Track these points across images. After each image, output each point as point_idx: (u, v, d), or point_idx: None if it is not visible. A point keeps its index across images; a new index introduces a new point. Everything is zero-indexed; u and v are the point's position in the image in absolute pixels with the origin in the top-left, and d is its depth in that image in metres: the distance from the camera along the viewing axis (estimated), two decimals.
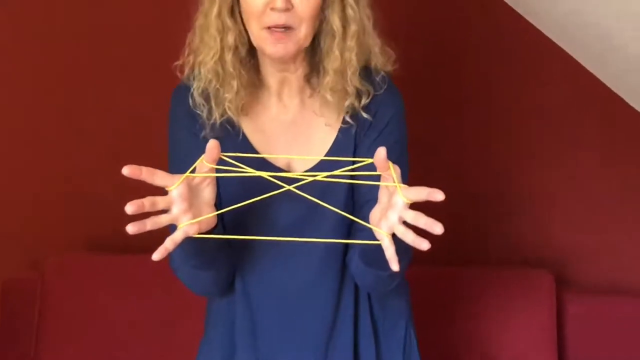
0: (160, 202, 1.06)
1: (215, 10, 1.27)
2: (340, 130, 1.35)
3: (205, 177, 1.12)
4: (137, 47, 2.38)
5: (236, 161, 1.11)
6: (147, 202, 1.04)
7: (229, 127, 1.32)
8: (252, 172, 1.10)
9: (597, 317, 2.18)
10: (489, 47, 2.36)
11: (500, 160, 2.37)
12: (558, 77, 2.32)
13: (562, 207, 2.35)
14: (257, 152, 1.34)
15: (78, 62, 2.40)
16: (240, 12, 1.28)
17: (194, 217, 1.09)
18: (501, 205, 2.36)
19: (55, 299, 2.16)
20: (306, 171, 1.31)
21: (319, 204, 1.19)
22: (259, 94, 1.36)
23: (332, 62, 1.30)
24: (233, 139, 1.32)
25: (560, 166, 2.33)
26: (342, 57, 1.29)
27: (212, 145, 1.08)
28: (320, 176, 1.15)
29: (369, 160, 1.08)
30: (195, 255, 1.25)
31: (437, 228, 1.00)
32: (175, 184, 1.06)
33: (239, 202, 1.17)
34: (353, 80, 1.30)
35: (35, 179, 2.40)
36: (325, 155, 1.34)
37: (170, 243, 1.06)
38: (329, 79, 1.30)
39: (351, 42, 1.29)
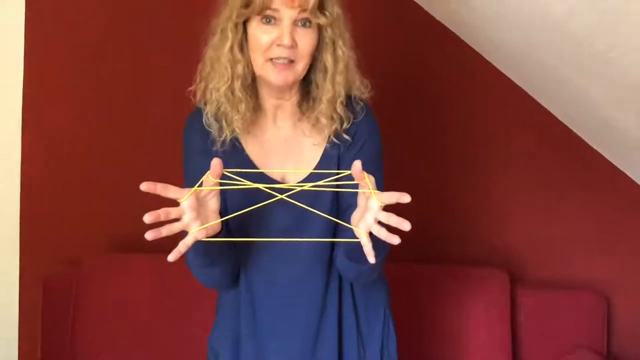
0: (173, 212, 1.13)
1: (227, 45, 1.33)
2: (326, 149, 1.42)
3: (211, 190, 1.17)
4: (164, 70, 2.40)
5: (237, 175, 1.17)
6: (162, 213, 1.11)
7: (235, 144, 1.39)
8: (250, 184, 1.18)
9: (545, 308, 2.25)
10: (454, 84, 2.42)
11: (461, 172, 2.42)
12: (501, 101, 2.39)
13: (515, 215, 2.40)
14: (256, 166, 1.39)
15: (116, 81, 2.43)
16: (247, 46, 1.34)
17: (202, 224, 1.15)
18: (463, 212, 2.41)
19: (88, 293, 2.17)
20: (298, 182, 1.38)
21: (308, 210, 1.25)
22: (258, 116, 1.42)
23: (325, 94, 1.36)
24: (238, 153, 1.39)
25: (513, 182, 2.39)
26: (333, 90, 1.36)
27: (216, 162, 1.15)
28: (307, 186, 1.23)
29: (349, 172, 1.15)
30: (204, 255, 1.31)
31: (405, 225, 1.08)
32: (185, 197, 1.13)
33: (241, 210, 1.24)
34: (339, 109, 1.37)
35: (75, 190, 2.39)
36: (314, 169, 1.40)
37: (182, 246, 1.14)
38: (322, 107, 1.37)
39: (340, 78, 1.37)
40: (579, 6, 1.48)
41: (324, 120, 1.38)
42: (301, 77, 1.36)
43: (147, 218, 1.09)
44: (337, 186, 1.33)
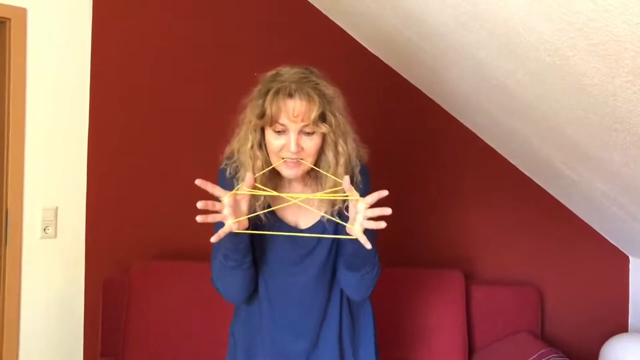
0: (217, 205, 1.17)
1: (248, 144, 1.29)
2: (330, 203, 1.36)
3: (244, 195, 1.21)
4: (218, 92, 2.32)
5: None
6: (209, 203, 1.15)
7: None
8: (274, 193, 1.24)
9: (492, 300, 2.26)
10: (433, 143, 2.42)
11: (427, 198, 2.41)
12: (457, 142, 2.40)
13: (468, 229, 2.41)
14: (278, 217, 1.36)
15: (171, 101, 2.34)
16: (265, 144, 1.29)
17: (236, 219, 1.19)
18: (428, 227, 2.40)
19: (138, 293, 2.11)
20: (308, 228, 1.36)
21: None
22: (278, 181, 1.36)
23: (328, 184, 1.31)
24: (265, 207, 1.33)
25: (466, 204, 2.40)
26: (335, 182, 1.29)
27: (249, 176, 1.19)
28: (299, 198, 1.27)
29: (342, 187, 1.17)
30: (233, 251, 1.28)
31: (387, 210, 1.12)
32: (227, 196, 1.17)
33: (261, 231, 1.27)
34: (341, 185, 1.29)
35: (129, 206, 2.32)
36: (318, 222, 1.36)
37: (222, 232, 1.17)
38: (327, 190, 1.31)
39: (341, 169, 1.31)
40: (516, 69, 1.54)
41: (335, 196, 1.31)
42: (307, 169, 1.31)
43: (200, 204, 1.14)
44: (338, 231, 1.34)
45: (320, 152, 1.31)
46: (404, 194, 2.40)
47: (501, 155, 2.40)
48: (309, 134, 1.26)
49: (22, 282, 2.18)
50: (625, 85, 1.19)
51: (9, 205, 2.15)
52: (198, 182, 1.15)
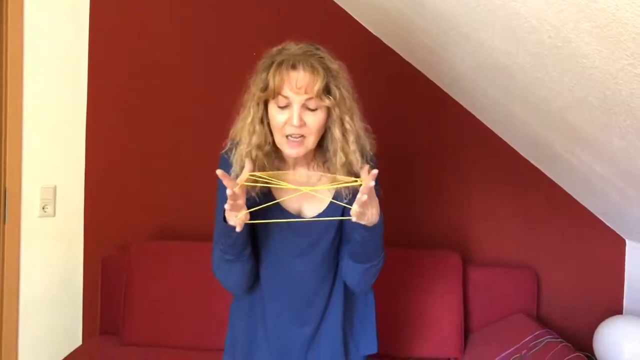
0: (236, 192, 1.16)
1: (249, 119, 1.27)
2: (336, 192, 1.34)
3: (244, 190, 1.20)
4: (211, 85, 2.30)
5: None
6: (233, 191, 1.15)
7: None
8: (282, 184, 1.22)
9: (489, 282, 2.25)
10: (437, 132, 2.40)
11: (430, 185, 2.40)
12: (460, 130, 2.38)
13: (466, 213, 2.40)
14: (280, 204, 1.32)
15: (166, 96, 2.32)
16: (267, 121, 1.27)
17: (238, 213, 1.18)
18: (429, 211, 2.40)
19: (137, 272, 2.12)
20: (313, 217, 1.34)
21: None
22: (282, 165, 1.35)
23: (339, 160, 1.28)
24: (266, 194, 1.32)
25: (466, 189, 2.39)
26: (346, 158, 1.27)
27: (248, 166, 1.20)
28: (303, 190, 1.23)
29: (359, 182, 1.18)
30: (231, 246, 1.27)
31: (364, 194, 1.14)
32: (237, 187, 1.16)
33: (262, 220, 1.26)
34: (356, 168, 1.28)
35: (127, 189, 2.32)
36: (325, 209, 1.35)
37: (239, 224, 1.17)
38: (338, 169, 1.28)
39: (353, 146, 1.28)
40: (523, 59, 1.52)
41: (340, 178, 1.28)
42: (311, 149, 1.29)
43: (229, 191, 1.15)
44: (341, 222, 1.34)
45: (326, 130, 1.29)
46: (403, 177, 2.39)
47: (500, 138, 2.39)
48: (312, 110, 1.24)
49: (21, 261, 2.19)
50: (627, 68, 1.19)
51: (7, 184, 2.15)
52: (219, 172, 1.16)
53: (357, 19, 2.38)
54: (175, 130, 2.35)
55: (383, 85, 2.37)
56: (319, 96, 1.22)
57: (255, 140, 1.27)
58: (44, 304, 2.24)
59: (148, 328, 2.10)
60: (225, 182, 1.15)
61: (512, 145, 2.39)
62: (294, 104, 1.22)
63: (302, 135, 1.25)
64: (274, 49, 1.28)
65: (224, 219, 1.23)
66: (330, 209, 1.35)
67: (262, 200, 1.28)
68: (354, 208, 1.17)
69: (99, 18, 2.30)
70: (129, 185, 2.35)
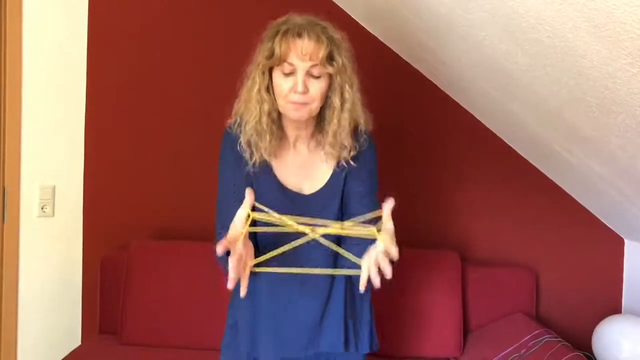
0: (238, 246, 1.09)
1: (256, 88, 1.31)
2: (335, 170, 1.39)
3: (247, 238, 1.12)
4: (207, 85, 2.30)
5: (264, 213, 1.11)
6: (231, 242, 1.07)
7: (264, 165, 1.37)
8: (287, 221, 1.11)
9: (488, 281, 2.25)
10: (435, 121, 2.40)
11: (429, 185, 2.40)
12: (459, 129, 2.38)
13: (465, 213, 2.40)
14: (280, 182, 1.36)
15: (164, 98, 2.31)
16: (272, 89, 1.32)
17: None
18: (428, 211, 2.40)
19: (136, 271, 2.11)
20: (312, 193, 1.37)
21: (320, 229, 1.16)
22: (282, 143, 1.39)
23: (332, 127, 1.33)
24: (266, 172, 1.37)
25: (465, 189, 2.39)
26: (339, 124, 1.33)
27: (249, 196, 1.11)
28: (314, 233, 1.13)
29: (379, 213, 1.14)
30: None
31: (387, 271, 1.10)
32: (239, 242, 1.08)
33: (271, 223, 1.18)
34: (345, 140, 1.34)
35: (126, 189, 2.32)
36: (324, 185, 1.37)
37: (242, 276, 1.13)
38: (329, 138, 1.35)
39: (346, 114, 1.33)
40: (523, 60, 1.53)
41: (329, 148, 1.36)
42: (314, 114, 1.34)
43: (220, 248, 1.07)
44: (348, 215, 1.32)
45: (327, 98, 1.33)
46: (401, 175, 2.39)
47: (499, 137, 2.38)
48: (316, 77, 1.28)
49: (20, 261, 2.19)
50: (625, 68, 1.19)
51: (6, 184, 2.15)
52: (222, 246, 1.05)
53: (356, 18, 2.37)
54: (174, 129, 2.35)
55: (381, 85, 2.36)
56: (322, 63, 1.26)
57: (266, 107, 1.31)
58: (43, 303, 2.24)
59: (147, 328, 2.10)
60: (230, 244, 1.07)
61: (510, 144, 2.39)
62: (299, 70, 1.26)
63: (305, 103, 1.29)
64: (279, 20, 1.33)
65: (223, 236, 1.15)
66: (330, 182, 1.39)
67: (260, 177, 1.32)
68: (372, 274, 1.10)
69: (98, 17, 2.29)
70: (128, 184, 2.34)
